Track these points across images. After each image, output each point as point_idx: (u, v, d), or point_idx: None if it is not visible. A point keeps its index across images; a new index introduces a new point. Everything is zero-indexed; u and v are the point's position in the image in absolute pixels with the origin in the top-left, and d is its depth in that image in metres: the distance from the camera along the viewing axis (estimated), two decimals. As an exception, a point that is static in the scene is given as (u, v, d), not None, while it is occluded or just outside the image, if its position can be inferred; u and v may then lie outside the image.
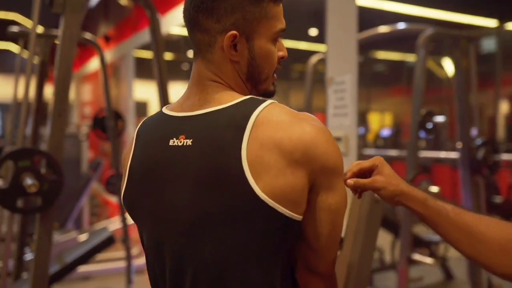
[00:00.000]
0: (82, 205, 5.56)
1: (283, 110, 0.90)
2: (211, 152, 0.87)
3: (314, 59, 4.67)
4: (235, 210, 0.86)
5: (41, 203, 2.29)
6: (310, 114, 0.91)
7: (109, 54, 7.21)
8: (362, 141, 8.76)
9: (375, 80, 12.96)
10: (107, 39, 7.09)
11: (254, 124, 0.86)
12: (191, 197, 0.89)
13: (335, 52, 2.88)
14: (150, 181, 0.95)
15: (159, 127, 0.98)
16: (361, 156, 4.58)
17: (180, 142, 0.91)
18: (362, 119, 11.71)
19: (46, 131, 2.47)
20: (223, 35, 0.92)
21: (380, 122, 14.36)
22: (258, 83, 0.98)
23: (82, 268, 4.37)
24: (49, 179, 2.26)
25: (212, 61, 0.95)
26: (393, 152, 5.33)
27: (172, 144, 0.92)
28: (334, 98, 2.87)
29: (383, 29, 3.98)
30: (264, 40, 0.95)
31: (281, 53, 1.00)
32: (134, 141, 1.02)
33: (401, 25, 3.95)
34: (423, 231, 4.34)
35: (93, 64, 8.47)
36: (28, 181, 2.12)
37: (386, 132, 10.25)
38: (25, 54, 2.63)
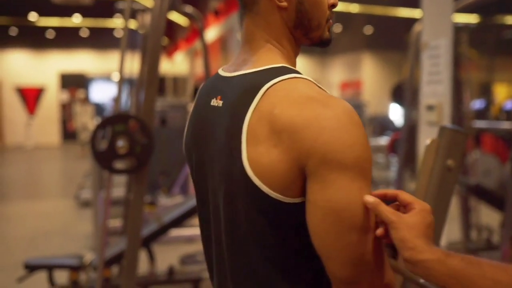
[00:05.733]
0: (188, 172, 5.90)
1: (302, 86, 0.83)
2: (229, 116, 0.88)
3: (418, 27, 4.39)
4: (233, 179, 0.86)
5: (135, 164, 2.48)
6: (341, 100, 0.82)
7: (219, 28, 7.44)
8: (479, 114, 8.09)
9: (504, 48, 11.84)
10: (216, 13, 7.32)
11: (264, 95, 0.83)
12: (217, 157, 0.91)
13: (430, 14, 2.70)
14: (197, 137, 0.99)
15: (210, 87, 1.00)
16: (469, 129, 4.27)
17: (216, 102, 0.93)
18: (484, 91, 10.83)
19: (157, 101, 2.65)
20: None
21: (509, 94, 13.16)
22: (309, 31, 0.94)
23: (186, 231, 4.67)
24: (141, 142, 2.43)
25: (258, 13, 0.92)
26: (506, 125, 4.88)
27: (212, 104, 0.94)
28: (429, 64, 2.71)
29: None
30: None
31: (332, 0, 0.95)
32: (195, 99, 1.07)
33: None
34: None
35: (207, 37, 8.79)
36: (120, 143, 2.31)
37: (509, 105, 9.32)
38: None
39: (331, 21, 0.96)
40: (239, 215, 0.86)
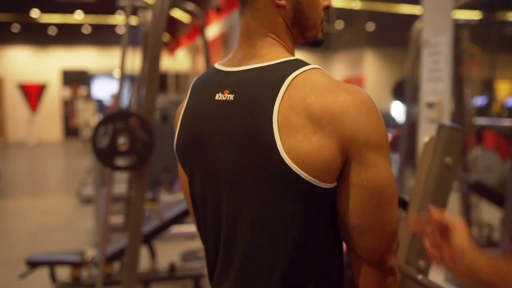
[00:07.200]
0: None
1: (323, 76, 0.87)
2: (248, 109, 0.88)
3: (419, 24, 4.39)
4: (262, 170, 0.86)
5: (136, 161, 2.49)
6: (356, 86, 0.88)
7: (220, 25, 7.44)
8: (481, 111, 8.08)
9: (506, 44, 11.80)
10: (218, 10, 7.31)
11: (289, 85, 0.86)
12: (231, 151, 0.91)
13: (430, 11, 2.70)
14: (198, 134, 0.98)
15: (209, 82, 0.99)
16: (470, 126, 4.27)
17: (224, 96, 0.93)
18: (486, 88, 10.82)
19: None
20: None
21: (511, 91, 13.12)
22: (305, 30, 0.97)
23: (187, 228, 4.69)
24: (141, 139, 2.44)
25: (258, 8, 0.95)
26: (507, 122, 4.88)
27: (217, 98, 0.94)
28: (429, 61, 2.71)
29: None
30: None
31: (326, 2, 0.99)
32: (187, 96, 1.04)
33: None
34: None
35: (208, 34, 8.77)
36: (121, 140, 2.32)
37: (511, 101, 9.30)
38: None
39: (324, 22, 1.00)
40: (263, 203, 0.88)
